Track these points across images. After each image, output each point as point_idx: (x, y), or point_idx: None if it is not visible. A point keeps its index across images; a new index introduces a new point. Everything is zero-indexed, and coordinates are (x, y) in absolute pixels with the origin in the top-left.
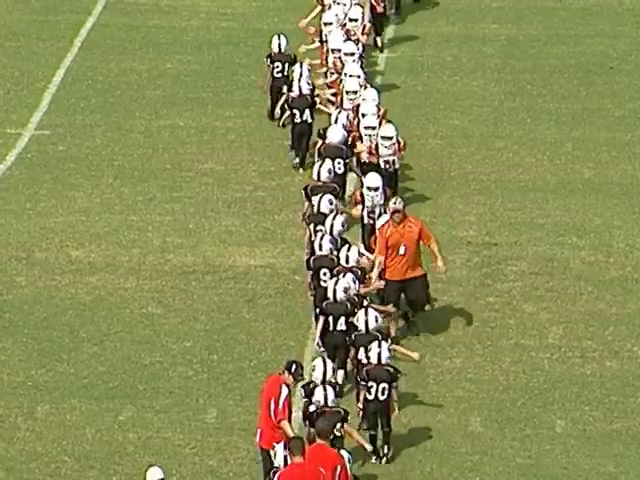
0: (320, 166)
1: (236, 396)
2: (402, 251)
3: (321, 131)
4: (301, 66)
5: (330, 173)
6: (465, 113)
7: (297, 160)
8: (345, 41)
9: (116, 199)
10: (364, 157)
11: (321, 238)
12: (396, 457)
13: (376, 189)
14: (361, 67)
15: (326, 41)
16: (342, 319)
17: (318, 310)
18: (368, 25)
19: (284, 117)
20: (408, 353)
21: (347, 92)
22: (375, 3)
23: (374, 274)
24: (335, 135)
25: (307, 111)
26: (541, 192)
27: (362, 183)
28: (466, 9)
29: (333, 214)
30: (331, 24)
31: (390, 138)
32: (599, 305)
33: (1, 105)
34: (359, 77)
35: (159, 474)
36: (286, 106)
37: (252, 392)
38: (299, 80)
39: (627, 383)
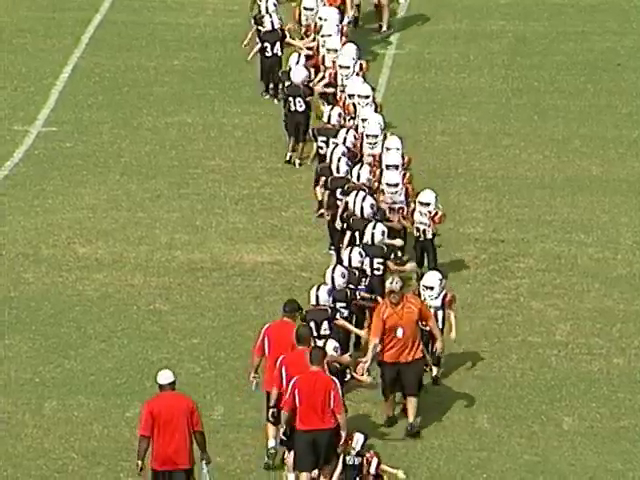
0: (331, 110)
1: (243, 393)
2: (400, 334)
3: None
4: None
5: (340, 117)
6: (472, 110)
7: (267, 95)
8: (362, 84)
9: (123, 196)
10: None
11: (338, 160)
12: (403, 454)
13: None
14: (376, 111)
15: (343, 84)
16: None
17: (345, 225)
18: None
19: (253, 51)
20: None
21: (367, 136)
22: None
23: (368, 357)
24: (297, 75)
25: (277, 44)
26: (548, 189)
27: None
28: (473, 6)
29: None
30: (348, 68)
31: (427, 204)
32: (606, 302)
33: (8, 102)
34: (379, 123)
35: (171, 377)
36: (257, 40)
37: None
38: (270, 14)
39: (634, 380)
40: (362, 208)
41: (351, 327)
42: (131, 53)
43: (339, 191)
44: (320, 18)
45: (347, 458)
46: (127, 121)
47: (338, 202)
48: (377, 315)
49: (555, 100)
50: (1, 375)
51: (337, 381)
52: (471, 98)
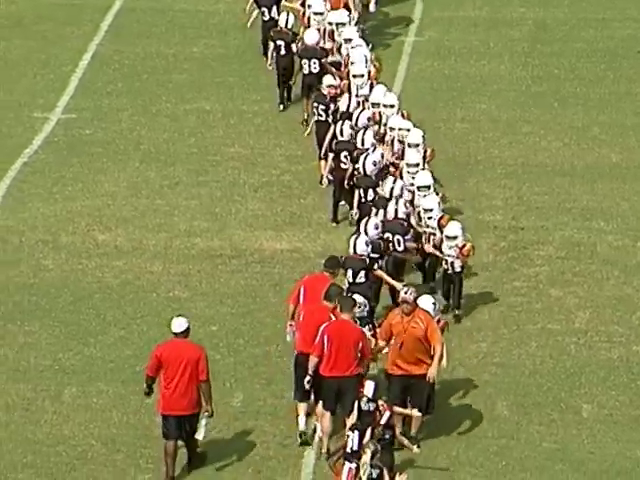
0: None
1: (262, 380)
2: (399, 346)
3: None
4: None
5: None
6: (492, 97)
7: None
8: (385, 94)
9: (142, 183)
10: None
11: (342, 125)
12: (421, 441)
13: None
14: (403, 117)
15: (356, 95)
16: (370, 191)
17: (352, 183)
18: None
19: (252, 17)
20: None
21: (410, 145)
22: None
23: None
24: (310, 37)
25: (274, 8)
26: (568, 176)
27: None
28: None
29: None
30: (362, 76)
31: (454, 238)
32: (626, 290)
33: (28, 89)
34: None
35: (184, 324)
36: (254, 5)
37: (278, 376)
38: None
39: None
40: (364, 165)
41: (388, 278)
42: (150, 40)
43: (343, 154)
44: (330, 23)
45: (362, 404)
46: (146, 108)
47: (342, 164)
48: (388, 319)
49: (575, 87)
50: (21, 362)
51: (365, 331)
52: (491, 85)
